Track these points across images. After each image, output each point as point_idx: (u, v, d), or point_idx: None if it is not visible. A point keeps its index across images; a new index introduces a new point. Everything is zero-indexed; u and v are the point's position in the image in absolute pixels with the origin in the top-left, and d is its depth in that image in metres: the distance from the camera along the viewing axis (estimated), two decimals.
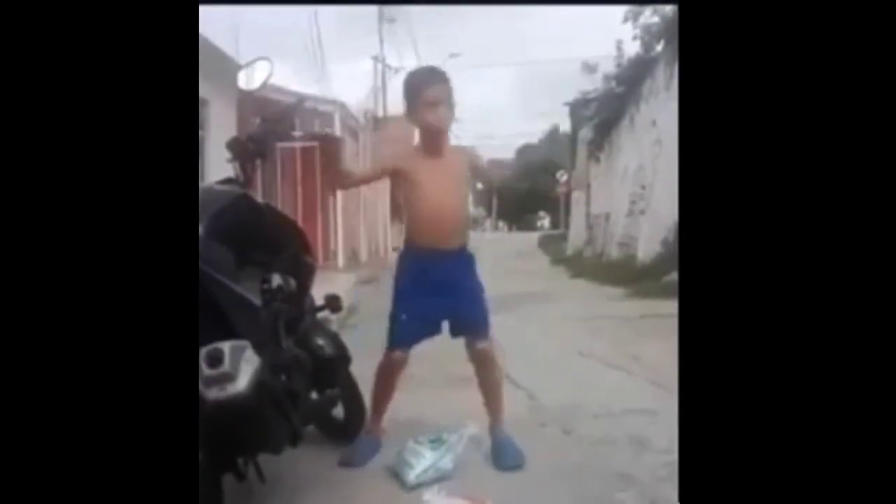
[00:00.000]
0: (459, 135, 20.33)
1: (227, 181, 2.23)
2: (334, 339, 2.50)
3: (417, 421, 2.71)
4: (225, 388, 1.65)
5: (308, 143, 9.28)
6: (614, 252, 11.49)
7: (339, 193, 11.70)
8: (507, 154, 43.65)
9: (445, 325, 2.51)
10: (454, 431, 2.40)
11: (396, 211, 19.83)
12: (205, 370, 1.63)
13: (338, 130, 10.98)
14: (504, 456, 2.44)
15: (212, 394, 1.63)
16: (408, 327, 2.46)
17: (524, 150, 46.90)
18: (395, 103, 20.79)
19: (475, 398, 2.59)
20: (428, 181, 2.43)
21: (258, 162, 2.31)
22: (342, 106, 11.91)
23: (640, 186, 10.54)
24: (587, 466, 2.44)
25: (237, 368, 1.67)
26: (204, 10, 1.47)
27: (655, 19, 10.21)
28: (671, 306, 2.93)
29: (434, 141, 2.48)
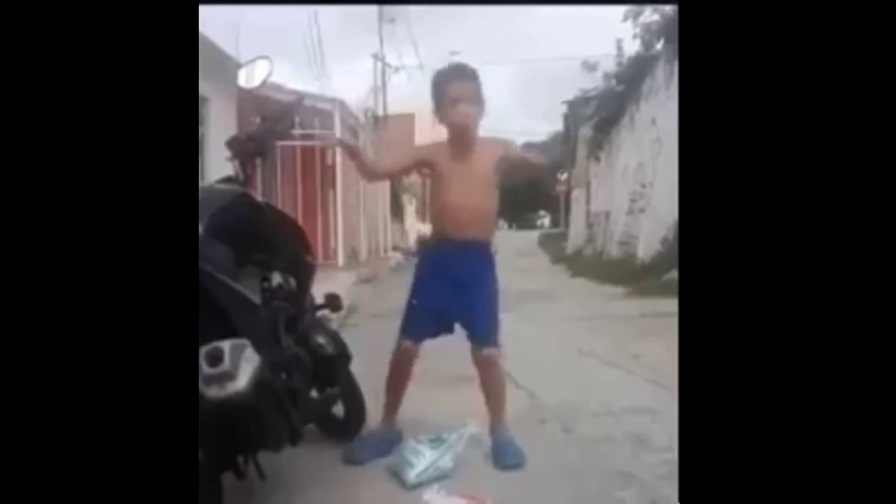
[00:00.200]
0: None
1: (227, 180, 2.23)
2: (334, 337, 2.50)
3: (418, 420, 2.71)
4: (225, 387, 1.65)
5: (308, 143, 9.28)
6: (614, 251, 11.49)
7: (339, 192, 11.73)
8: None
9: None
10: (454, 430, 2.40)
11: (396, 210, 19.87)
12: (205, 369, 1.63)
13: (338, 129, 10.96)
14: (505, 455, 2.44)
15: (212, 392, 1.63)
16: (419, 317, 2.48)
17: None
18: (395, 102, 20.81)
19: (476, 397, 2.59)
20: (453, 176, 2.44)
21: (258, 160, 2.31)
22: (342, 104, 11.88)
23: (640, 185, 10.55)
24: (587, 465, 2.44)
25: (237, 367, 1.67)
26: (204, 9, 1.46)
27: (655, 18, 10.21)
28: (671, 305, 2.93)
29: (459, 137, 2.47)
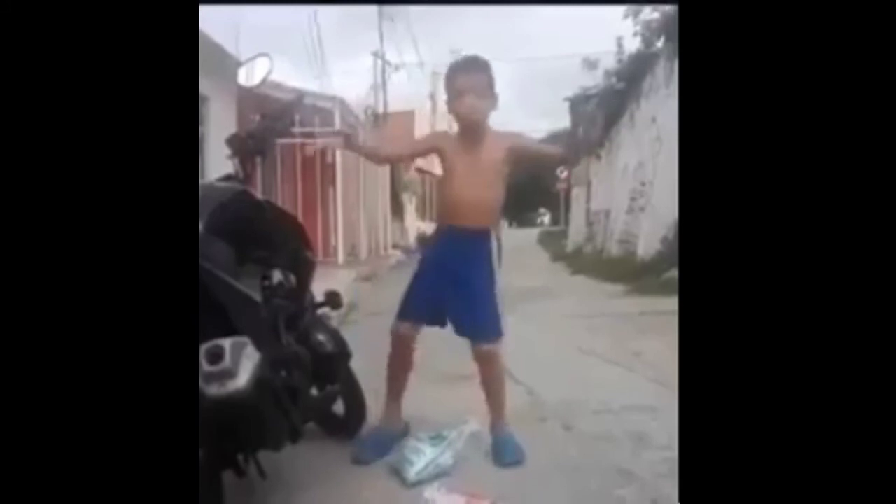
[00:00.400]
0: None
1: (227, 177, 2.23)
2: (334, 335, 2.50)
3: (418, 417, 2.71)
4: (225, 385, 1.65)
5: (309, 141, 9.28)
6: (614, 249, 11.48)
7: (339, 189, 11.74)
8: None
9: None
10: (454, 428, 2.41)
11: (397, 208, 19.84)
12: (205, 367, 1.63)
13: (338, 127, 10.95)
14: (505, 452, 2.44)
15: (212, 390, 1.63)
16: (417, 301, 2.49)
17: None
18: (396, 100, 20.78)
19: (476, 395, 2.59)
20: (459, 168, 2.46)
21: (258, 158, 2.31)
22: (342, 102, 11.88)
23: (641, 183, 10.54)
24: (587, 463, 2.44)
25: (237, 365, 1.67)
26: (204, 8, 1.46)
27: (656, 16, 10.19)
28: (671, 303, 2.93)
29: (467, 129, 2.48)
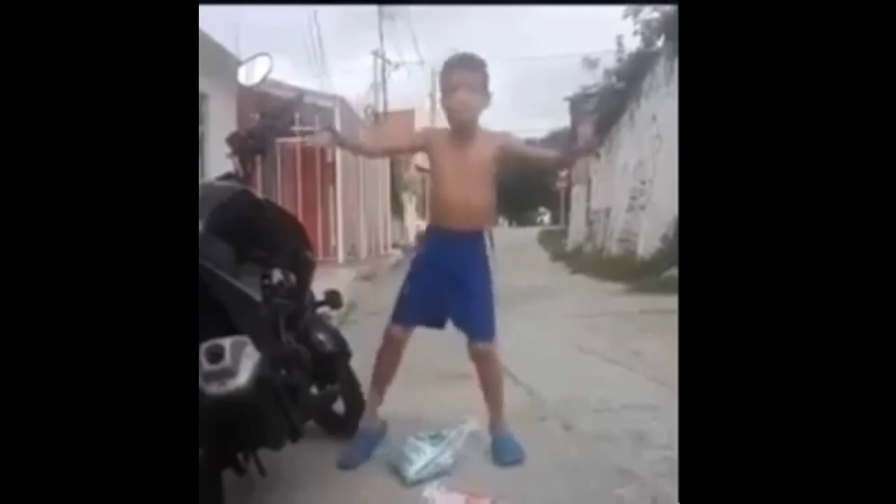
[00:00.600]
0: None
1: (227, 177, 2.23)
2: (334, 334, 2.50)
3: (417, 417, 2.71)
4: (225, 384, 1.65)
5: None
6: (614, 248, 11.48)
7: (339, 189, 11.73)
8: None
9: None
10: (454, 427, 2.41)
11: (397, 207, 19.84)
12: (205, 365, 1.63)
13: (338, 125, 10.95)
14: (504, 452, 2.44)
15: (212, 389, 1.63)
16: (410, 303, 2.48)
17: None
18: (396, 98, 20.78)
19: (475, 394, 2.59)
20: (448, 165, 2.45)
21: (258, 157, 2.31)
22: (342, 101, 11.88)
23: (641, 182, 10.54)
24: (587, 462, 2.44)
25: (238, 364, 1.67)
26: (204, 7, 1.46)
27: (656, 15, 10.19)
28: (671, 302, 2.93)
29: (456, 126, 2.46)
